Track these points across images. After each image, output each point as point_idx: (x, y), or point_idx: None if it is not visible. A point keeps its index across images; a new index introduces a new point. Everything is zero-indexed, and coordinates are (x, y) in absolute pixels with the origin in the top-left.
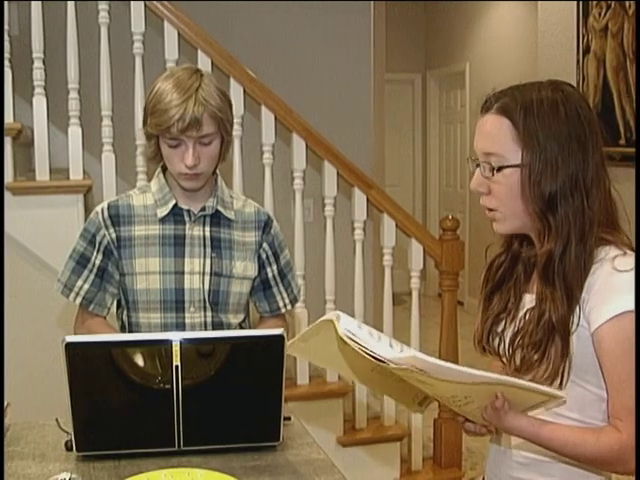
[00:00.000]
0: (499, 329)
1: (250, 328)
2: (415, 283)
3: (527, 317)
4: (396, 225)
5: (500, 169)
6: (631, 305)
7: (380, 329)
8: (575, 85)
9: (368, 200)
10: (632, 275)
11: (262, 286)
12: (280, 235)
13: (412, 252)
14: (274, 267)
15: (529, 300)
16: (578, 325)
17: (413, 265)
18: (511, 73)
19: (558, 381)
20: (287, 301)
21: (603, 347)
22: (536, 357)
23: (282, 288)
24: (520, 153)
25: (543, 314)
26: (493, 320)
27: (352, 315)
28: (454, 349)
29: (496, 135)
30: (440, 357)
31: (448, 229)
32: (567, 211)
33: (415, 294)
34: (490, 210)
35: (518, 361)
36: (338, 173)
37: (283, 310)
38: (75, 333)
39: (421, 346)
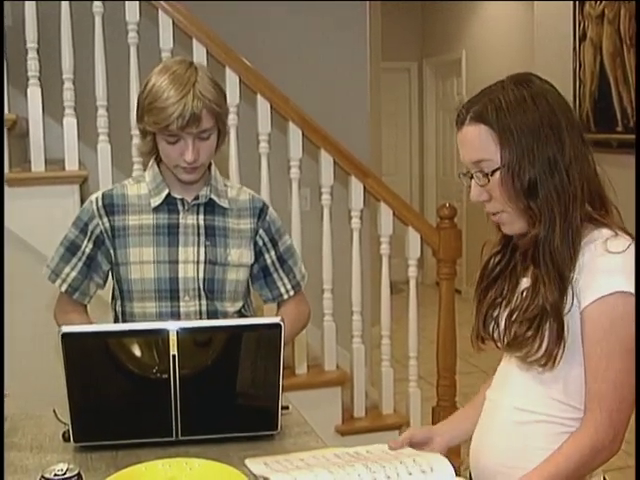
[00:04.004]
0: (495, 314)
1: (252, 315)
2: (412, 272)
3: (524, 295)
4: (393, 213)
5: (492, 173)
6: (619, 286)
7: (378, 318)
8: (572, 72)
9: (365, 189)
10: (623, 257)
11: (262, 273)
12: (277, 221)
13: (409, 240)
14: (272, 253)
15: (525, 282)
16: (572, 305)
17: (410, 253)
18: (507, 60)
19: (551, 362)
20: (289, 287)
21: (586, 328)
22: (530, 334)
23: (282, 274)
24: (500, 153)
25: (538, 293)
26: (489, 306)
27: (349, 305)
28: (452, 337)
29: (478, 142)
30: (438, 345)
31: (445, 217)
32: (548, 192)
33: (413, 283)
34: (495, 214)
35: (510, 337)
36: (335, 162)
37: (285, 296)
38: (56, 320)
39: (419, 334)
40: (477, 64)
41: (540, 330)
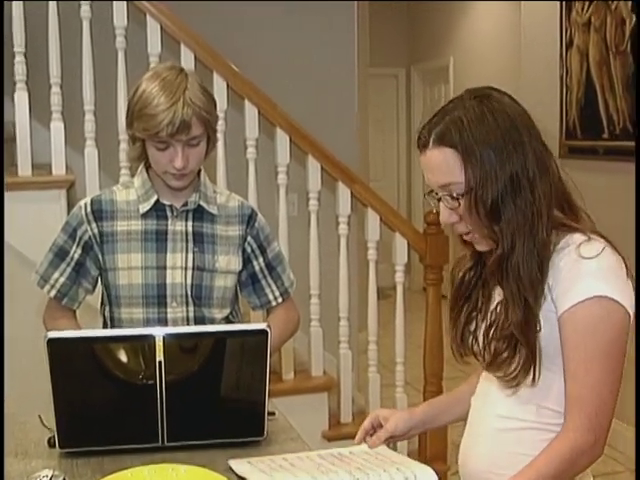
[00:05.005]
0: (472, 328)
1: (239, 322)
2: (399, 277)
3: (498, 310)
4: (380, 219)
5: (462, 195)
6: (595, 291)
7: (365, 324)
8: (558, 79)
9: (352, 194)
10: (597, 261)
11: (250, 280)
12: (266, 228)
13: (396, 246)
14: (260, 260)
15: (499, 293)
16: (543, 323)
17: (397, 259)
18: (495, 67)
19: (530, 378)
20: (277, 294)
21: (564, 333)
22: (506, 354)
23: (271, 281)
24: (465, 175)
25: (508, 314)
26: (465, 320)
27: (336, 310)
28: (438, 343)
29: (445, 167)
30: (425, 351)
31: (432, 223)
32: (511, 213)
33: (400, 288)
34: (467, 234)
35: (490, 355)
36: (322, 167)
37: (274, 303)
38: (45, 326)
39: (406, 340)
40: (465, 70)
41: (517, 349)
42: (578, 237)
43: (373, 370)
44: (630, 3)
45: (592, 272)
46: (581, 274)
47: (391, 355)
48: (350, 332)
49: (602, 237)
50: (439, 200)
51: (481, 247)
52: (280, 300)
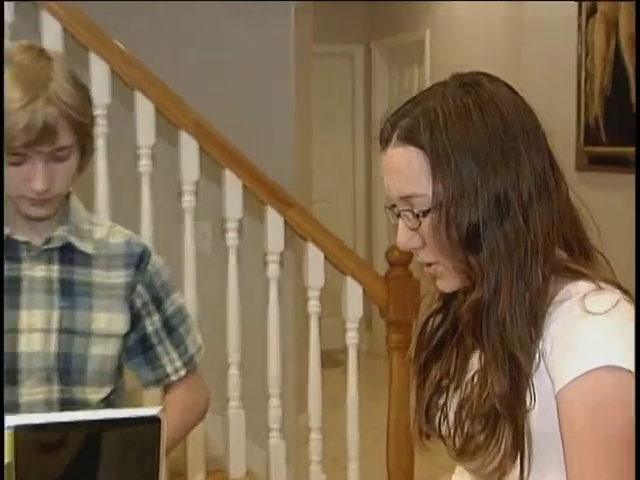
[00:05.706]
0: (441, 401)
1: (124, 406)
2: (352, 337)
3: (474, 380)
4: (325, 257)
5: (425, 214)
6: (605, 359)
7: (305, 403)
8: (575, 60)
9: (286, 223)
10: (608, 318)
11: (141, 346)
12: (163, 273)
13: (347, 295)
14: (155, 318)
15: (477, 359)
16: (534, 399)
17: (349, 313)
18: (486, 43)
19: (517, 471)
20: (178, 364)
21: (565, 414)
22: (482, 437)
23: (170, 347)
24: (433, 187)
25: (486, 383)
26: (434, 390)
27: (265, 385)
28: (405, 426)
29: (408, 172)
30: (388, 440)
31: (397, 263)
32: (494, 243)
33: (352, 352)
34: (430, 265)
35: (461, 440)
36: (245, 186)
37: (174, 377)
38: None
39: (362, 425)
40: (445, 49)
41: (498, 431)
42: (584, 286)
43: (317, 469)
44: None
45: (600, 333)
46: (587, 335)
47: (342, 447)
48: (284, 415)
49: (619, 288)
50: (399, 216)
51: (444, 284)
52: (182, 373)
